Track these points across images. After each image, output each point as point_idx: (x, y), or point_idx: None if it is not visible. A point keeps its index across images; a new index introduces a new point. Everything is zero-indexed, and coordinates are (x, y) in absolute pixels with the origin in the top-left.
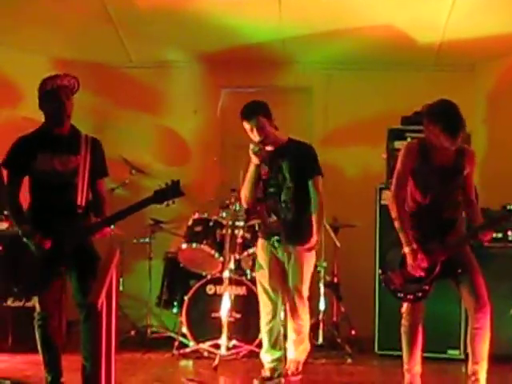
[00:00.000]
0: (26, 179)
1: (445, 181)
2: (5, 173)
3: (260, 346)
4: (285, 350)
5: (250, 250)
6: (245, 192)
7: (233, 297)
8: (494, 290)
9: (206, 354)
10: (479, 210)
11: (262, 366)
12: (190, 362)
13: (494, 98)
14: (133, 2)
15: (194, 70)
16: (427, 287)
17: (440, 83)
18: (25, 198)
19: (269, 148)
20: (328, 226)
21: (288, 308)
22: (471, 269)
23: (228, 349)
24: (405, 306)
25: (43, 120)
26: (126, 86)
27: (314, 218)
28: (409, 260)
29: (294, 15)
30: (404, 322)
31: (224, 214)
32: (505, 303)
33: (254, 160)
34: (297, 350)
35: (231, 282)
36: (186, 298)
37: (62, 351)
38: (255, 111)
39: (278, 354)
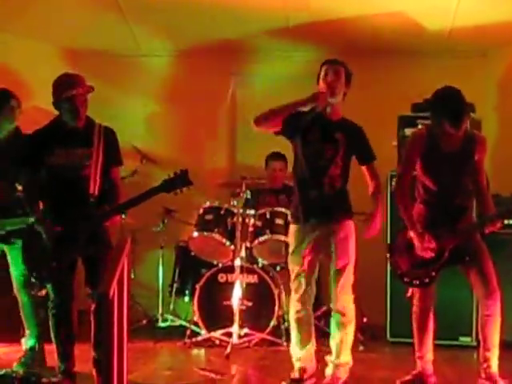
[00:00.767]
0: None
1: (453, 167)
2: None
3: (272, 333)
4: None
5: (261, 238)
6: (273, 115)
7: (244, 285)
8: (505, 276)
9: (217, 342)
10: (490, 198)
11: (274, 353)
12: (202, 351)
13: (505, 84)
14: None
15: (204, 58)
16: (434, 273)
17: (451, 70)
18: None
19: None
20: None
21: (333, 296)
22: (481, 255)
23: (240, 337)
24: (411, 290)
25: (53, 109)
26: (136, 75)
27: (378, 201)
28: (416, 243)
29: (301, 4)
30: (415, 308)
31: (235, 203)
32: None
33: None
34: (343, 350)
35: (242, 270)
36: (197, 286)
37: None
38: (342, 63)
39: (309, 349)
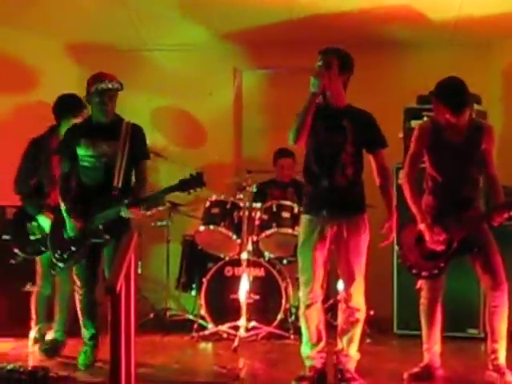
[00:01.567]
0: None
1: (460, 157)
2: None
3: (279, 327)
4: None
5: (268, 232)
6: (299, 127)
7: (251, 278)
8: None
9: (225, 335)
10: (501, 188)
11: (282, 347)
12: (210, 344)
13: (510, 75)
14: None
15: (209, 52)
16: (442, 264)
17: (456, 61)
18: None
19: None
20: None
21: (343, 291)
22: (488, 247)
23: (247, 330)
24: (420, 283)
25: None
26: (141, 70)
27: (390, 193)
28: (426, 236)
29: None
30: (423, 300)
31: (241, 196)
32: None
33: (313, 86)
34: (353, 343)
35: (249, 263)
36: (204, 280)
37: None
38: (332, 51)
39: (319, 346)
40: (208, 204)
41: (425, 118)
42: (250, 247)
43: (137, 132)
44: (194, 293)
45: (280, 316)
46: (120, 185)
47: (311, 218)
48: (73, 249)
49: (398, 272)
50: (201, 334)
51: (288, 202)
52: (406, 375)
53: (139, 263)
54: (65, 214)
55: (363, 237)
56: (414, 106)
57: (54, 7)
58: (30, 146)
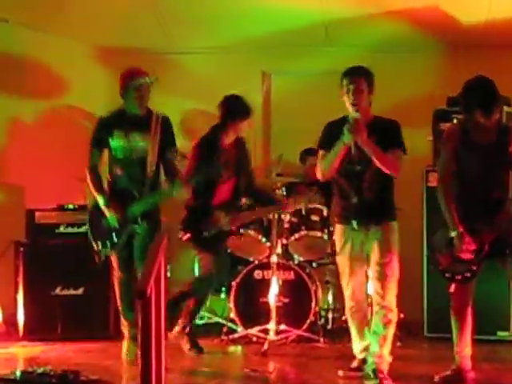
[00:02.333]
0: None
1: (489, 160)
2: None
3: (309, 330)
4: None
5: (297, 235)
6: (328, 168)
7: (280, 282)
8: None
9: (254, 339)
10: None
11: (311, 350)
12: (239, 348)
13: None
14: None
15: (237, 55)
16: (475, 267)
17: (485, 63)
18: None
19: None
20: None
21: (374, 294)
22: None
23: (277, 333)
24: (453, 286)
25: (88, 108)
26: (170, 72)
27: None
28: (456, 243)
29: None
30: (453, 303)
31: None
32: None
33: (347, 137)
34: (386, 345)
35: (279, 266)
36: (233, 283)
37: None
38: (361, 72)
39: (367, 340)
40: None
41: (454, 120)
42: (279, 250)
43: (166, 123)
44: (223, 296)
45: (309, 319)
46: (152, 174)
47: (344, 228)
48: (114, 238)
49: (428, 275)
50: (230, 337)
51: (317, 205)
52: (436, 378)
53: (168, 267)
54: (103, 205)
55: (393, 242)
56: (443, 107)
57: (83, 11)
58: (200, 146)
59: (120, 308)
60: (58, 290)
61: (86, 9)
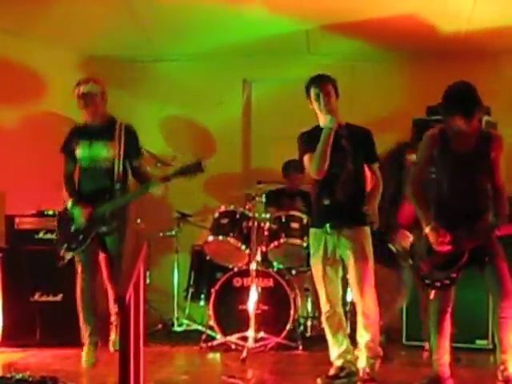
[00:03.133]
0: None
1: (469, 167)
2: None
3: (288, 337)
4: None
5: (277, 242)
6: (321, 161)
7: (260, 289)
8: None
9: (233, 346)
10: (506, 197)
11: (290, 358)
12: (218, 355)
13: None
14: None
15: (218, 62)
16: (455, 275)
17: (465, 73)
18: None
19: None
20: None
21: (358, 300)
22: (497, 257)
23: (255, 341)
24: (432, 293)
25: (69, 115)
26: (151, 79)
27: (373, 200)
28: (432, 238)
29: (317, 6)
30: (432, 311)
31: (250, 206)
32: None
33: (331, 121)
34: (372, 345)
35: (258, 274)
36: (212, 290)
37: None
38: (326, 78)
39: (343, 346)
40: (217, 214)
41: None
42: (258, 258)
43: (130, 131)
44: (202, 303)
45: (288, 327)
46: (121, 178)
47: (317, 231)
48: (80, 238)
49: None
50: (209, 344)
51: (297, 213)
52: None
53: (148, 273)
54: (71, 207)
55: (367, 247)
56: (423, 117)
57: (64, 18)
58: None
59: (81, 315)
60: (36, 296)
61: (68, 15)
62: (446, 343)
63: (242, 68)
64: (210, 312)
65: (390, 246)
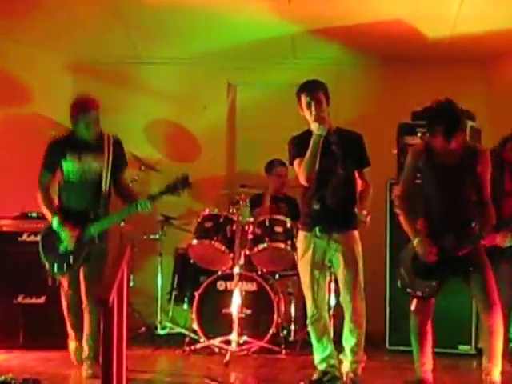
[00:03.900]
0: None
1: (454, 179)
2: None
3: (271, 341)
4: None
5: (261, 246)
6: (311, 168)
7: (243, 293)
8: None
9: (216, 350)
10: (493, 210)
11: (273, 362)
12: (201, 359)
13: (504, 93)
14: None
15: (203, 66)
16: (435, 284)
17: (450, 78)
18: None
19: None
20: None
21: (348, 304)
22: (482, 268)
23: (239, 345)
24: (414, 304)
25: (54, 117)
26: (136, 83)
27: (364, 202)
28: (419, 250)
29: (303, 11)
30: (413, 319)
31: (234, 210)
32: None
33: (320, 129)
34: (351, 352)
35: (242, 277)
36: (196, 294)
37: None
38: (318, 86)
39: (327, 350)
40: (201, 218)
41: (419, 134)
42: (242, 261)
43: (118, 144)
44: (185, 306)
45: (272, 331)
46: (107, 193)
47: (306, 235)
48: (71, 260)
49: (391, 288)
50: (192, 348)
51: (281, 217)
52: None
53: (131, 276)
54: (56, 227)
55: (356, 251)
56: (408, 121)
57: (50, 22)
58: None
59: (68, 322)
60: (20, 299)
61: (54, 19)
62: (429, 350)
63: (226, 72)
64: (194, 315)
65: None
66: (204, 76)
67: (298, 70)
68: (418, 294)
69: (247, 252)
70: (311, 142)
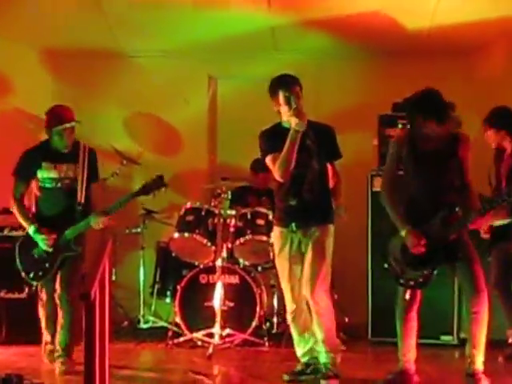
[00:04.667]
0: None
1: (437, 165)
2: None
3: (254, 334)
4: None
5: (243, 239)
6: (287, 164)
7: (226, 286)
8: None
9: (199, 343)
10: (475, 194)
11: (256, 354)
12: (184, 352)
13: (485, 84)
14: None
15: (184, 59)
16: (427, 272)
17: (431, 70)
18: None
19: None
20: None
21: (309, 296)
22: (469, 254)
23: (222, 337)
24: (408, 294)
25: (33, 111)
26: (116, 76)
27: (339, 196)
28: (407, 241)
29: (283, 3)
30: (401, 308)
31: (216, 203)
32: None
33: (299, 124)
34: (324, 343)
35: (224, 270)
36: (178, 287)
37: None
38: (294, 80)
39: (308, 344)
40: (182, 211)
41: (399, 126)
42: (224, 254)
43: (93, 155)
44: (168, 300)
45: (254, 323)
46: (83, 201)
47: (282, 230)
48: (46, 266)
49: (373, 279)
50: (175, 341)
51: (263, 210)
52: (380, 382)
53: (113, 270)
54: (33, 233)
55: (327, 244)
56: (388, 113)
57: (29, 13)
58: None
59: (45, 330)
60: (2, 293)
61: (31, 10)
62: (412, 340)
63: (207, 64)
64: (176, 309)
65: None
66: (184, 69)
67: (279, 62)
68: (411, 283)
69: (229, 245)
70: (289, 138)
